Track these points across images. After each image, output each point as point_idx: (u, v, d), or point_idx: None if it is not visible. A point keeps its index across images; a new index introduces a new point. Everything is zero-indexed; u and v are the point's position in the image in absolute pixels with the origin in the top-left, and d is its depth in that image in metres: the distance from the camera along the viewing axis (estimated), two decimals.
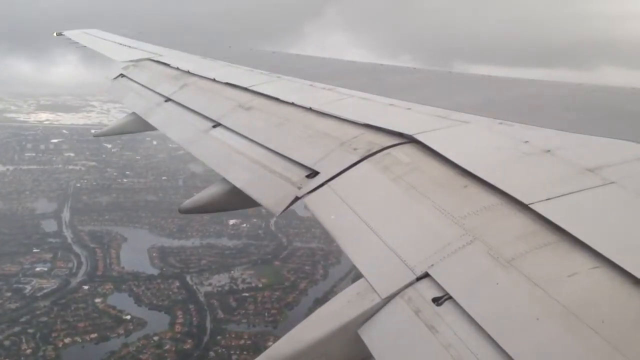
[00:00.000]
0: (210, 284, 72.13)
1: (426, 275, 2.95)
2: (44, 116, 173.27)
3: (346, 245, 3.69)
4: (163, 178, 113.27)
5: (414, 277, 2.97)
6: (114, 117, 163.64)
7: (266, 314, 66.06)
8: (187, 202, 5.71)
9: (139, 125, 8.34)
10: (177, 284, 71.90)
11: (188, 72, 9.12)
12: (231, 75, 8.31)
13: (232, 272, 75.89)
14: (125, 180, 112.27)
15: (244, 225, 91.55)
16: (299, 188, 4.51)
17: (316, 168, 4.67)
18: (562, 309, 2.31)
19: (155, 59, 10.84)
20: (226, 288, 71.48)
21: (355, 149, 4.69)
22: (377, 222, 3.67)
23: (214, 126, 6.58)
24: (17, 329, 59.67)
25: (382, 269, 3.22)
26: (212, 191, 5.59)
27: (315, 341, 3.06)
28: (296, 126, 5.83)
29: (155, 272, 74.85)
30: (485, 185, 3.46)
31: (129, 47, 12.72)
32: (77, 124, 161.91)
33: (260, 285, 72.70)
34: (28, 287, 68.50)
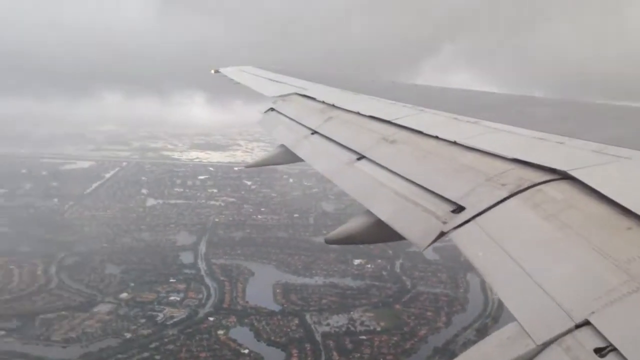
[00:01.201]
0: (328, 324, 72.96)
1: (586, 322, 2.77)
2: (194, 154, 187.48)
3: (496, 284, 3.58)
4: (295, 215, 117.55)
5: (573, 324, 2.81)
6: (257, 155, 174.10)
7: None
8: (333, 234, 5.85)
9: (286, 157, 8.73)
10: (296, 321, 73.47)
11: (333, 105, 9.41)
12: (374, 108, 8.45)
13: (352, 313, 76.04)
14: (259, 216, 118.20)
15: (369, 265, 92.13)
16: (445, 223, 4.46)
17: (462, 203, 4.59)
18: None
19: (302, 92, 11.32)
20: (344, 329, 71.87)
21: (503, 185, 4.56)
22: (529, 262, 3.53)
23: (358, 158, 6.71)
24: (145, 354, 64.53)
25: (537, 312, 3.08)
26: (356, 223, 5.69)
27: None
28: (440, 160, 5.79)
29: (277, 308, 77.22)
30: None
31: (278, 82, 13.41)
32: (223, 161, 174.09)
33: (378, 329, 72.06)
34: (160, 315, 74.09)
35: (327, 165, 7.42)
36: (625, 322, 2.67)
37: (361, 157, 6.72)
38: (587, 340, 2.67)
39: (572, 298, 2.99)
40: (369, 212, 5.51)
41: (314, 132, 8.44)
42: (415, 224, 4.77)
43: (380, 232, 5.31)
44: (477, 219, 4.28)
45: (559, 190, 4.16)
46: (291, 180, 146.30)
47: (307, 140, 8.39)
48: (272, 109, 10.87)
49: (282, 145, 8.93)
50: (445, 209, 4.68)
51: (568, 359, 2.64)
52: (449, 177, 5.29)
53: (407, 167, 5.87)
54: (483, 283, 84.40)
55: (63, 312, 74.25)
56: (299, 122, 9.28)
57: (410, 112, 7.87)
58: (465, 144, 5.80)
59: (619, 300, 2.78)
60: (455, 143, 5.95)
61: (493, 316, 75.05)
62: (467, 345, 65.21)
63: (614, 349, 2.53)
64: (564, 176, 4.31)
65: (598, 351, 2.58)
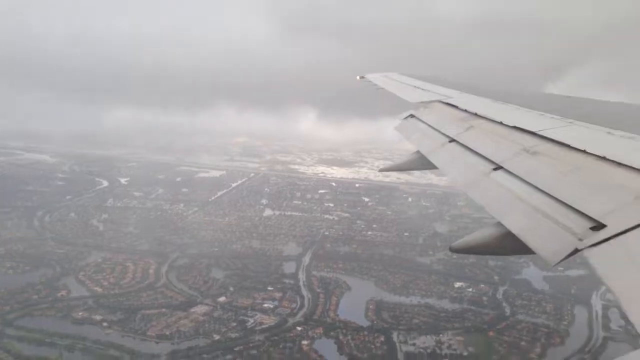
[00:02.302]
0: (414, 344, 70.96)
1: None
2: (320, 169, 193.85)
3: (632, 310, 3.27)
4: (405, 234, 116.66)
5: None
6: (381, 173, 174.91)
7: None
8: (459, 242, 5.68)
9: (421, 163, 8.61)
10: (382, 338, 72.12)
11: (476, 114, 9.15)
12: (519, 119, 8.08)
13: (441, 335, 73.27)
14: (369, 232, 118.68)
15: (470, 289, 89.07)
16: (580, 240, 4.16)
17: (603, 220, 4.26)
18: None
19: (445, 101, 11.13)
20: (428, 351, 69.58)
21: None
22: None
23: (495, 169, 6.47)
24: (229, 357, 66.60)
25: None
26: (485, 234, 5.48)
27: None
28: (585, 174, 5.40)
29: (366, 324, 76.31)
30: None
31: (422, 89, 13.30)
32: (346, 177, 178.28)
33: (465, 354, 69.05)
34: (251, 321, 76.30)
35: (461, 174, 7.23)
36: None
37: (498, 167, 6.47)
38: None
39: None
40: (498, 224, 5.29)
41: (452, 140, 8.26)
42: (548, 238, 4.51)
43: (509, 245, 5.07)
44: (619, 237, 3.95)
45: None
46: (410, 199, 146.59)
47: (443, 148, 8.23)
48: (412, 116, 10.80)
49: (418, 152, 8.84)
50: (583, 225, 4.38)
51: None
52: (592, 192, 4.93)
53: (546, 181, 5.56)
54: (591, 317, 78.15)
55: (163, 310, 78.99)
56: (438, 129, 9.13)
57: (558, 125, 7.43)
58: (615, 160, 5.37)
59: None
60: (604, 158, 5.53)
61: (593, 352, 69.43)
62: None
63: None
64: None
65: None
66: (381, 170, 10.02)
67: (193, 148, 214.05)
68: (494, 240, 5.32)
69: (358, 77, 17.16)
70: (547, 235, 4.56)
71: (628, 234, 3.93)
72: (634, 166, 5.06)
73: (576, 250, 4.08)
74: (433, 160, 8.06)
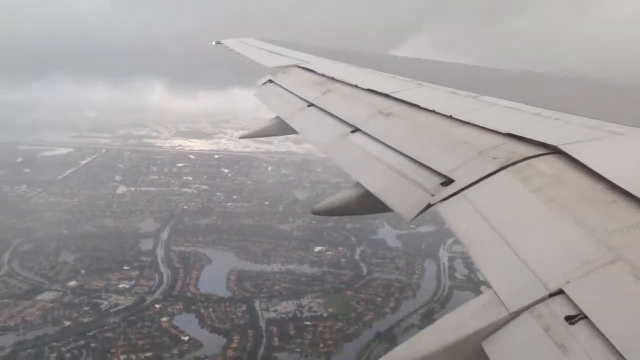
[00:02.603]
0: (276, 311, 72.91)
1: (560, 292, 2.77)
2: (178, 142, 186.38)
3: (477, 256, 3.56)
4: (266, 203, 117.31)
5: (547, 293, 2.81)
6: (241, 144, 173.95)
7: (322, 345, 65.47)
8: (320, 205, 5.82)
9: (281, 129, 8.66)
10: (244, 308, 73.20)
11: (333, 78, 9.33)
12: (374, 82, 8.36)
13: (302, 300, 75.98)
14: (229, 204, 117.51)
15: (329, 253, 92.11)
16: (433, 195, 4.43)
17: (452, 176, 4.56)
18: None
19: (303, 65, 11.22)
20: (290, 315, 71.83)
21: (494, 158, 4.52)
22: (512, 234, 3.51)
23: (353, 131, 6.66)
24: (81, 342, 63.95)
25: (513, 282, 3.08)
26: (345, 195, 5.67)
27: (436, 350, 2.99)
28: (435, 134, 5.74)
29: (228, 295, 76.85)
30: (637, 201, 3.17)
31: (279, 54, 13.28)
32: (205, 150, 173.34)
33: (325, 315, 72.22)
34: (105, 303, 73.39)
35: (321, 137, 7.37)
36: (598, 291, 2.66)
37: (356, 130, 6.67)
38: (560, 309, 2.67)
39: (549, 269, 2.98)
40: (358, 185, 5.49)
41: (311, 105, 8.37)
42: (403, 196, 4.74)
43: (368, 204, 5.30)
44: (465, 192, 4.26)
45: (548, 165, 4.12)
46: (270, 168, 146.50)
47: (302, 113, 8.32)
48: (270, 81, 10.78)
49: (278, 117, 8.87)
50: (434, 181, 4.65)
51: (538, 326, 2.64)
52: (442, 150, 5.25)
53: (400, 141, 5.83)
54: (439, 269, 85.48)
55: (6, 300, 73.11)
56: (296, 94, 9.20)
57: (409, 87, 7.79)
58: (461, 119, 5.75)
59: (594, 271, 2.77)
60: (451, 117, 5.90)
61: (442, 302, 75.86)
62: (409, 330, 66.72)
63: (585, 317, 2.51)
64: (555, 151, 4.27)
65: (569, 319, 2.56)
66: (242, 138, 9.97)
67: (34, 125, 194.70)
68: (354, 200, 5.52)
69: (214, 43, 16.72)
70: (402, 193, 4.80)
71: (474, 187, 4.25)
72: (477, 124, 5.45)
73: (429, 206, 4.34)
74: (293, 125, 8.13)
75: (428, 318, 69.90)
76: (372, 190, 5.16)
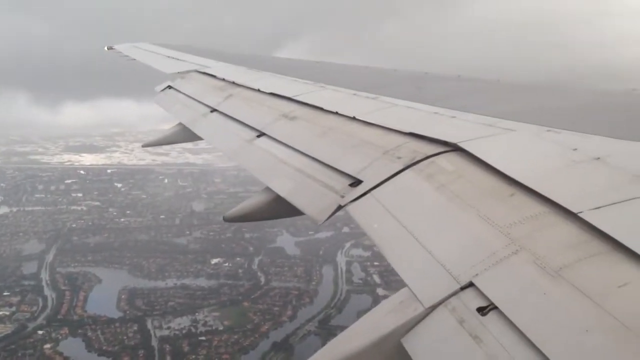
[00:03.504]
0: (169, 327, 69.44)
1: (471, 284, 2.90)
2: (67, 157, 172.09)
3: (389, 253, 3.66)
4: (161, 217, 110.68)
5: (458, 286, 2.93)
6: (135, 156, 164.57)
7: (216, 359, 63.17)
8: (232, 211, 5.76)
9: (185, 135, 8.49)
10: (135, 327, 69.17)
11: (233, 82, 9.26)
12: (275, 86, 8.38)
13: (197, 314, 72.80)
14: (122, 219, 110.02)
15: (226, 264, 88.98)
16: (342, 197, 4.50)
17: (359, 177, 4.65)
18: (613, 321, 2.24)
19: (202, 70, 11.05)
20: (184, 332, 68.92)
21: (399, 158, 4.66)
22: (421, 230, 3.64)
23: (258, 136, 6.65)
24: None
25: (426, 278, 3.19)
26: (255, 200, 5.64)
27: (357, 350, 3.04)
28: (340, 135, 5.84)
29: (118, 315, 72.44)
30: (533, 193, 3.39)
31: (176, 59, 12.99)
32: (97, 164, 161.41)
33: (220, 328, 69.71)
34: None
35: (226, 143, 7.31)
36: (504, 282, 2.81)
37: (261, 134, 6.66)
38: (471, 301, 2.80)
39: (458, 262, 3.12)
40: (268, 189, 5.48)
41: (214, 110, 8.26)
42: (313, 198, 4.79)
43: (279, 208, 5.30)
44: (374, 191, 4.36)
45: (449, 162, 4.31)
46: (166, 180, 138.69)
47: (206, 118, 8.20)
48: (169, 87, 10.53)
49: (180, 124, 8.68)
50: (343, 183, 4.73)
51: (453, 319, 2.75)
52: (348, 152, 5.34)
53: (306, 143, 5.88)
54: (336, 274, 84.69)
55: None
56: (198, 99, 9.05)
57: (311, 89, 7.88)
58: (364, 120, 5.89)
59: (500, 262, 2.92)
60: (354, 119, 6.03)
61: (338, 307, 75.43)
62: (305, 337, 66.43)
63: (495, 307, 2.65)
64: (455, 148, 4.47)
65: (481, 310, 2.70)
66: (145, 146, 9.62)
67: None
68: (265, 205, 5.50)
69: (106, 48, 16.05)
70: (312, 196, 4.85)
71: (381, 186, 4.36)
72: (380, 124, 5.61)
73: (340, 207, 4.41)
74: (197, 131, 7.99)
75: (325, 324, 69.51)
76: (282, 194, 5.17)
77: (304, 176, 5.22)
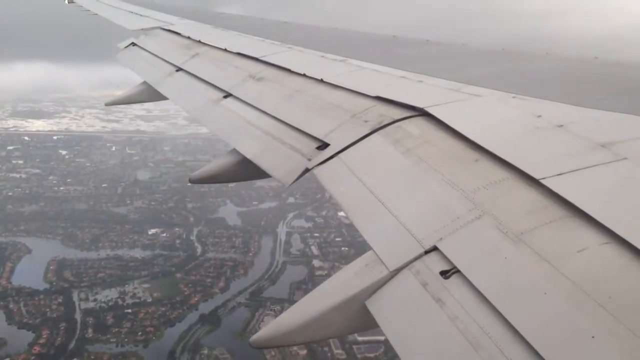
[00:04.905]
0: (95, 300, 67.59)
1: (435, 248, 2.96)
2: (12, 123, 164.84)
3: (355, 217, 3.69)
4: (103, 185, 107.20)
5: (423, 250, 2.98)
6: (85, 123, 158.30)
7: (140, 333, 61.58)
8: (197, 172, 5.71)
9: (149, 94, 8.31)
10: (60, 300, 67.12)
11: (199, 41, 9.06)
12: (242, 45, 8.24)
13: (126, 286, 70.82)
14: (62, 188, 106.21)
15: (164, 234, 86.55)
16: (309, 160, 4.50)
17: (327, 140, 4.65)
18: (571, 284, 2.32)
19: (167, 27, 10.76)
20: (110, 304, 66.92)
21: (366, 121, 4.67)
22: (386, 194, 3.67)
23: (225, 96, 6.55)
24: None
25: (391, 241, 3.24)
26: (222, 162, 5.59)
27: (322, 312, 3.09)
28: (307, 98, 5.80)
29: (43, 286, 70.28)
30: (496, 159, 3.44)
31: (140, 15, 12.61)
32: (43, 130, 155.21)
33: (149, 300, 67.86)
34: None
35: (192, 103, 7.19)
36: (468, 246, 2.87)
37: (228, 95, 6.57)
38: (435, 264, 2.85)
39: (423, 227, 3.16)
40: (234, 151, 5.43)
41: (179, 69, 8.09)
42: (280, 161, 4.77)
43: (246, 170, 5.28)
44: (341, 155, 4.36)
45: (416, 126, 4.33)
46: (114, 148, 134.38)
47: (171, 78, 8.03)
48: (133, 44, 10.24)
49: (145, 83, 8.48)
50: (310, 146, 4.72)
51: (417, 282, 2.81)
52: (315, 114, 5.32)
53: (273, 105, 5.83)
54: (275, 245, 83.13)
55: None
56: (163, 58, 8.85)
57: (278, 50, 7.77)
58: (331, 82, 5.85)
59: (463, 227, 2.98)
60: (322, 81, 5.98)
61: (272, 279, 74.58)
62: (234, 309, 65.81)
63: (457, 271, 2.71)
64: (422, 113, 4.48)
65: (444, 273, 2.76)
66: (107, 104, 9.36)
67: None
68: (231, 167, 5.46)
69: (66, 1, 15.44)
70: (279, 158, 4.83)
71: (348, 150, 4.37)
72: (347, 87, 5.58)
73: (307, 170, 4.41)
74: (162, 90, 7.82)
75: (257, 296, 68.67)
76: (248, 156, 5.14)
77: (271, 138, 5.19)
